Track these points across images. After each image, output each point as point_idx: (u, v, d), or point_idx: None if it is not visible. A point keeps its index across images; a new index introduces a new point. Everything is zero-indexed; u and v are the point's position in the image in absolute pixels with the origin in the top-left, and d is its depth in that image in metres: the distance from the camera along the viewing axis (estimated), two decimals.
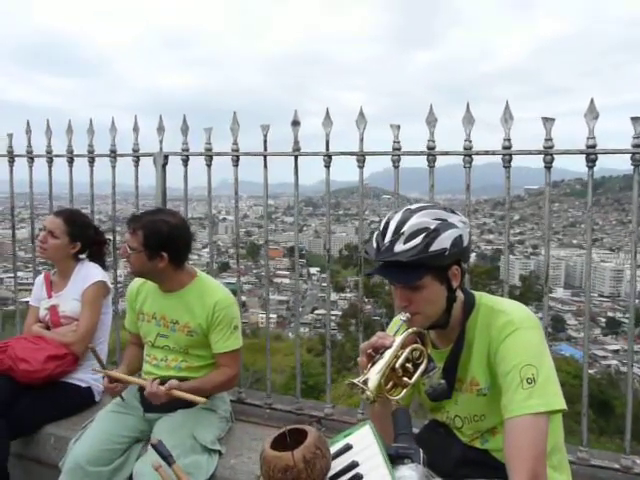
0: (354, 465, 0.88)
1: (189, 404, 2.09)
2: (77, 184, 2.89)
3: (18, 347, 2.38)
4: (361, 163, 2.25)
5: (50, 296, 2.58)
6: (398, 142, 2.18)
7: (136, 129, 2.65)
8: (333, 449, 0.99)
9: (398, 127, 2.17)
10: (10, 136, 2.92)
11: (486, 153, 2.11)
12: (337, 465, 0.91)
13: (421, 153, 2.14)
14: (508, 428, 1.33)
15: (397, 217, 1.44)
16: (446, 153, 2.13)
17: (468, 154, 2.09)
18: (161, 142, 2.61)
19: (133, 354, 2.34)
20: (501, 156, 2.06)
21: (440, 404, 1.60)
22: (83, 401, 2.45)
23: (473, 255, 33.79)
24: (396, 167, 2.20)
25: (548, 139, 1.99)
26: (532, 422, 1.29)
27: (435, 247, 1.38)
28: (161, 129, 2.58)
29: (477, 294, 1.57)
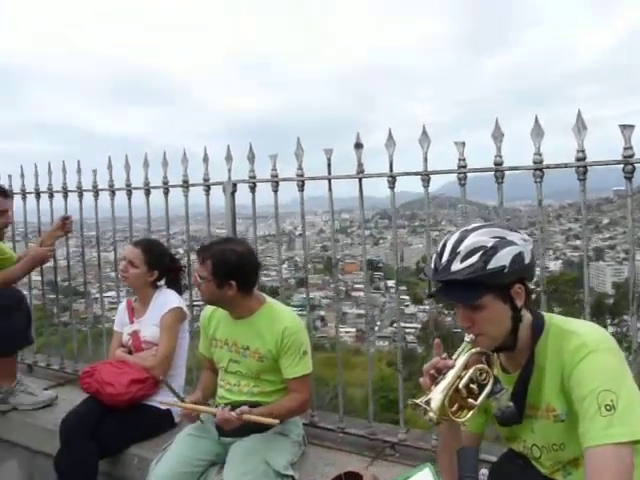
0: None
1: (262, 429, 2.13)
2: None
3: (104, 371, 2.51)
4: (426, 182, 2.21)
5: (132, 322, 2.71)
6: (463, 159, 2.12)
7: (206, 159, 2.76)
8: None
9: (463, 144, 2.12)
10: (94, 172, 3.12)
11: (557, 166, 2.00)
12: None
13: (488, 169, 2.08)
14: (588, 458, 1.24)
15: (454, 237, 1.43)
16: (515, 168, 2.05)
17: (538, 168, 2.00)
18: (229, 171, 2.70)
19: (208, 379, 2.41)
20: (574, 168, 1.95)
21: (516, 433, 1.54)
22: (163, 423, 2.54)
23: (559, 263, 32.18)
24: (462, 185, 2.14)
25: (627, 147, 1.87)
26: (614, 453, 1.20)
27: (493, 265, 1.35)
28: (229, 158, 2.67)
29: (547, 315, 1.50)
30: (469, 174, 2.13)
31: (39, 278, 3.52)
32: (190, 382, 2.83)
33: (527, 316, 1.46)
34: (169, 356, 2.58)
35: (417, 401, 1.33)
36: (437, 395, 1.33)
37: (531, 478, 1.51)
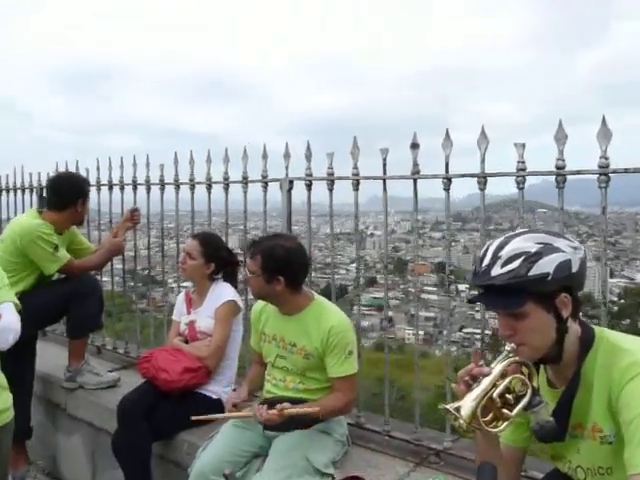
0: None
1: (305, 425, 2.15)
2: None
3: (160, 358, 2.62)
4: (482, 185, 2.14)
5: (189, 312, 2.81)
6: (523, 162, 2.03)
7: (265, 156, 2.81)
8: None
9: (523, 146, 2.03)
10: (162, 166, 3.27)
11: (626, 171, 1.87)
12: None
13: (549, 173, 1.98)
14: None
15: (497, 242, 1.38)
16: (577, 172, 1.94)
17: (604, 173, 1.88)
18: (287, 168, 2.73)
19: (256, 373, 2.46)
20: None
21: (561, 452, 1.46)
22: (213, 411, 2.61)
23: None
24: (520, 188, 2.05)
25: None
26: None
27: (535, 271, 1.29)
28: (287, 155, 2.71)
29: (598, 329, 1.42)
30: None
31: (120, 266, 3.72)
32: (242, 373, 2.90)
33: (575, 328, 1.38)
34: (221, 347, 2.65)
35: (447, 407, 1.30)
36: (468, 402, 1.29)
37: None
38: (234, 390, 2.60)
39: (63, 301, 2.96)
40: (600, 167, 1.88)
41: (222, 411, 2.62)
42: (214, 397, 2.62)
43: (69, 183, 3.10)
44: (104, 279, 3.79)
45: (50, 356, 3.38)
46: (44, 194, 4.04)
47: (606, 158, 1.87)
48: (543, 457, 1.79)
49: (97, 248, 3.31)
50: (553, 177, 1.98)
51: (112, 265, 3.65)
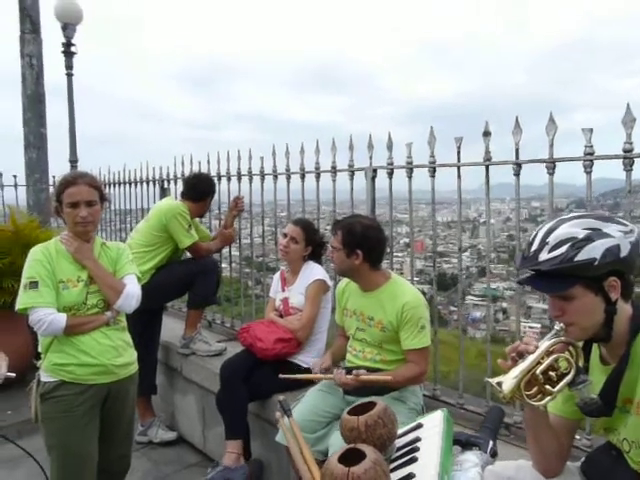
0: (417, 440, 1.02)
1: (381, 392, 2.36)
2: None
3: (257, 329, 2.96)
4: (551, 170, 2.19)
5: (283, 290, 3.12)
6: (591, 146, 2.06)
7: (351, 147, 3.02)
8: (407, 426, 1.13)
9: (591, 130, 2.06)
10: (269, 157, 3.62)
11: None
12: (405, 439, 1.06)
13: (615, 157, 2.00)
14: None
15: (547, 226, 1.43)
16: None
17: None
18: (371, 158, 2.92)
19: (339, 345, 2.71)
20: None
21: (612, 424, 1.53)
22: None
23: None
24: (588, 172, 2.08)
25: None
26: None
27: (582, 257, 1.34)
28: (370, 146, 2.90)
29: None
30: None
31: (237, 253, 4.14)
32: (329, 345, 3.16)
33: (626, 309, 1.43)
34: (311, 321, 2.93)
35: (490, 380, 1.37)
36: (510, 379, 1.35)
37: (620, 471, 1.49)
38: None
39: (189, 276, 3.47)
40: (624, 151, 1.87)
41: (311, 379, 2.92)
42: (304, 366, 2.91)
43: (206, 182, 3.69)
44: (222, 265, 4.19)
45: (169, 328, 3.87)
46: (165, 186, 4.62)
47: None
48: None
49: (214, 236, 3.80)
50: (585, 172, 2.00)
51: (230, 252, 4.07)
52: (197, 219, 3.74)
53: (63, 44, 7.00)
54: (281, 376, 2.60)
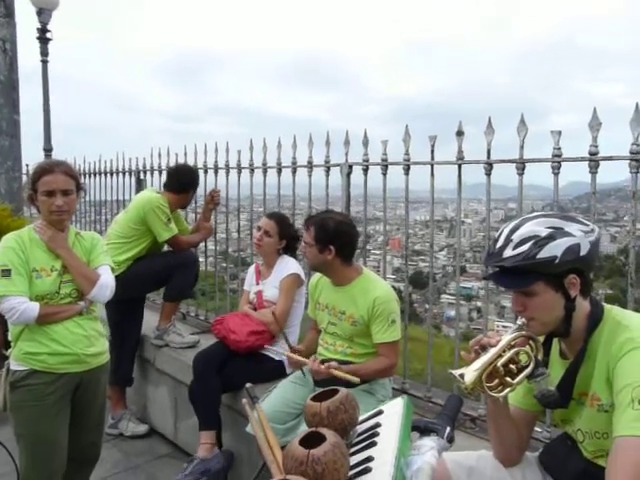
0: (377, 425, 1.06)
1: (349, 385, 2.40)
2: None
3: (231, 321, 2.98)
4: (520, 170, 2.26)
5: (258, 283, 3.14)
6: (559, 148, 2.13)
7: (328, 143, 3.06)
8: (369, 413, 1.18)
9: (559, 133, 2.12)
10: (239, 152, 3.63)
11: None
12: (366, 424, 1.10)
13: (582, 159, 2.07)
14: (613, 447, 1.31)
15: (512, 225, 1.49)
16: (609, 158, 2.01)
17: (634, 159, 1.94)
18: (346, 154, 2.97)
19: (311, 338, 2.75)
20: None
21: (568, 416, 1.60)
22: (275, 371, 2.92)
23: None
24: (555, 174, 2.15)
25: None
26: (637, 444, 1.25)
27: (543, 254, 1.40)
28: (347, 143, 2.94)
29: (607, 307, 1.52)
30: None
31: (213, 247, 4.15)
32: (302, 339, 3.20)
33: (584, 305, 1.49)
34: (284, 315, 2.95)
35: (453, 372, 1.43)
36: (472, 370, 1.40)
37: (575, 460, 1.56)
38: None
39: (167, 269, 3.47)
40: (631, 153, 1.94)
41: (283, 372, 2.95)
42: (277, 358, 2.94)
43: (191, 174, 3.67)
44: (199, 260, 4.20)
45: (144, 320, 3.82)
46: (141, 177, 4.60)
47: (638, 144, 1.93)
48: None
49: (192, 228, 3.81)
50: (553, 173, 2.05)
51: (206, 247, 4.08)
52: (179, 210, 3.75)
53: (38, 30, 6.89)
54: (265, 346, 2.74)
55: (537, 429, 2.15)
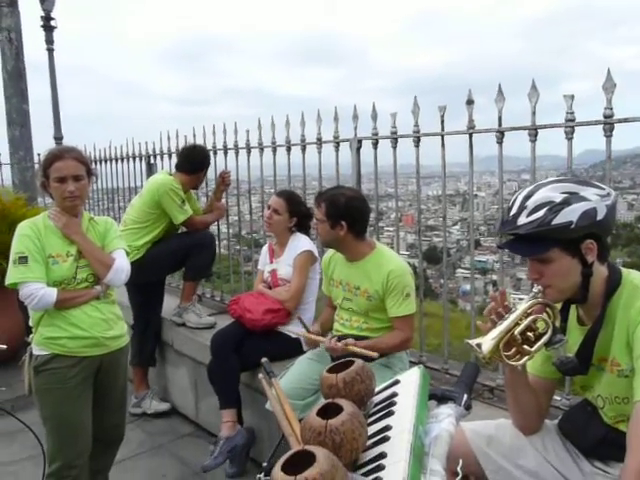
0: (394, 395, 1.06)
1: (367, 360, 2.41)
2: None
3: (246, 300, 3.00)
4: (533, 137, 2.22)
5: (272, 262, 3.15)
6: (572, 113, 2.08)
7: (336, 119, 3.02)
8: (385, 383, 1.18)
9: (572, 97, 2.08)
10: (247, 132, 3.61)
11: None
12: (383, 395, 1.11)
13: (596, 122, 2.02)
14: (634, 412, 1.31)
15: (526, 191, 1.46)
16: (624, 120, 1.96)
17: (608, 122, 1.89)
18: (355, 129, 2.94)
19: (327, 314, 2.76)
20: None
21: (588, 382, 1.59)
22: (293, 348, 2.94)
23: None
24: (569, 139, 2.11)
25: None
26: None
27: (559, 220, 1.37)
28: (356, 117, 2.91)
29: (625, 271, 1.50)
30: None
31: (226, 230, 4.15)
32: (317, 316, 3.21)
33: (601, 271, 1.47)
34: (299, 292, 2.97)
35: (470, 342, 1.42)
36: (489, 339, 1.39)
37: (595, 426, 1.55)
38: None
39: (185, 249, 3.50)
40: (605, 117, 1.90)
41: (300, 349, 2.97)
42: (293, 336, 2.95)
43: (202, 154, 3.66)
44: None
45: (163, 303, 3.88)
46: (151, 162, 4.61)
47: (610, 108, 1.89)
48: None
49: (204, 209, 3.82)
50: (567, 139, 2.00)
51: (219, 229, 4.08)
52: (192, 191, 3.76)
53: (42, 18, 6.86)
54: (280, 328, 2.79)
55: (556, 397, 2.14)
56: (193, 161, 3.57)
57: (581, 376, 1.56)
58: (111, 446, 2.49)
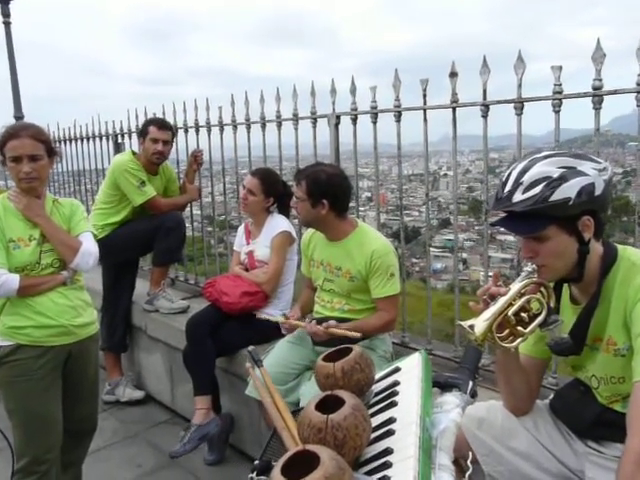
0: (396, 384, 0.99)
1: (350, 342, 2.34)
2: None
3: (222, 283, 2.89)
4: (519, 110, 2.15)
5: (248, 243, 3.03)
6: (560, 84, 2.02)
7: (313, 94, 2.90)
8: (384, 370, 1.11)
9: (560, 68, 2.01)
10: (220, 109, 3.46)
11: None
12: (383, 383, 1.03)
13: (584, 95, 1.96)
14: (634, 391, 1.27)
15: (520, 166, 1.38)
16: (614, 92, 1.91)
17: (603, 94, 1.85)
18: (333, 104, 2.82)
19: (306, 296, 2.67)
20: None
21: (581, 362, 1.55)
22: (272, 332, 2.84)
23: None
24: (557, 112, 2.05)
25: None
26: None
27: (556, 197, 1.31)
28: (333, 91, 2.79)
29: (621, 248, 1.45)
30: None
31: (198, 212, 4.00)
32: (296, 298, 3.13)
33: (597, 248, 1.42)
34: (277, 274, 2.87)
35: (462, 323, 1.36)
36: (482, 320, 1.33)
37: (589, 406, 1.52)
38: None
39: (151, 231, 3.34)
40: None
41: (279, 332, 2.88)
42: (272, 320, 2.87)
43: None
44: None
45: (135, 288, 3.74)
46: (119, 141, 4.41)
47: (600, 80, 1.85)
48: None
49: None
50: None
51: (192, 212, 3.94)
52: (174, 171, 3.65)
53: None
54: (258, 316, 2.65)
55: None
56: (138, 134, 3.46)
57: (574, 356, 1.53)
58: (84, 438, 2.38)
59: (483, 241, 2.57)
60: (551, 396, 1.71)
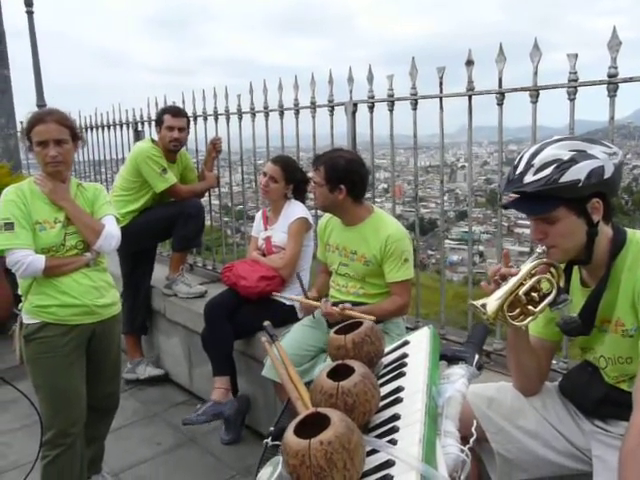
0: (404, 356, 1.04)
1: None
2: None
3: (240, 268, 2.96)
4: (534, 98, 2.16)
5: (266, 229, 3.10)
6: (575, 72, 2.03)
7: (331, 82, 2.93)
8: (394, 344, 1.16)
9: (575, 56, 2.02)
10: (238, 97, 3.51)
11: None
12: (392, 356, 1.08)
13: (600, 82, 1.97)
14: None
15: (532, 149, 1.43)
16: (630, 80, 1.92)
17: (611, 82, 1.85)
18: (351, 92, 2.85)
19: (322, 281, 2.72)
20: None
21: (589, 343, 1.58)
22: (287, 315, 2.91)
23: None
24: (572, 100, 2.06)
25: None
26: None
27: (567, 178, 1.35)
28: (351, 79, 2.82)
29: (630, 232, 1.49)
30: None
31: (217, 202, 4.07)
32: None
33: (606, 231, 1.45)
34: (294, 259, 2.93)
35: (474, 302, 1.41)
36: (494, 299, 1.38)
37: (596, 385, 1.56)
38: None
39: (170, 218, 3.42)
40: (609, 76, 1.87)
41: (295, 315, 2.94)
42: (288, 303, 2.93)
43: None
44: None
45: (154, 273, 3.83)
46: (139, 129, 4.49)
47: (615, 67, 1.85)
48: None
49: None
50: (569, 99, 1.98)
51: (210, 201, 4.00)
52: (192, 160, 3.71)
53: None
54: (274, 294, 2.76)
55: (553, 361, 2.15)
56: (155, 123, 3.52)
57: (582, 338, 1.56)
58: (106, 415, 2.47)
59: (499, 234, 2.58)
60: (561, 378, 1.75)
